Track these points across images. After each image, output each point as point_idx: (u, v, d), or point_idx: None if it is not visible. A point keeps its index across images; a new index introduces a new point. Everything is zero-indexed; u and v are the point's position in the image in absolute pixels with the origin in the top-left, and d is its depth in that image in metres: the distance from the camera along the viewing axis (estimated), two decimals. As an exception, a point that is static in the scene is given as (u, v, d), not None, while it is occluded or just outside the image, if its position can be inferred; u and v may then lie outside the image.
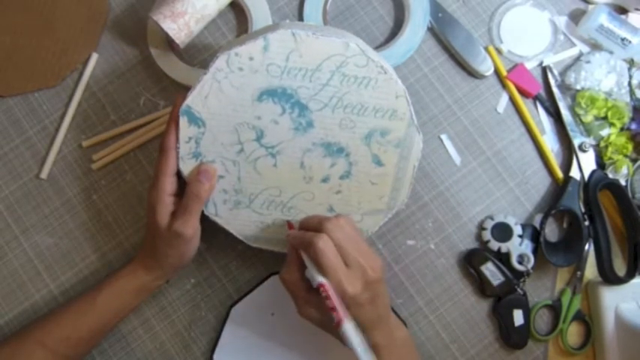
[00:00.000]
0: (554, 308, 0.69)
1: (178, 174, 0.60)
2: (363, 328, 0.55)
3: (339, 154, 0.61)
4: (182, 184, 0.60)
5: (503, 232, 0.68)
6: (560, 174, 0.70)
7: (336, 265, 0.54)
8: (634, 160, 0.70)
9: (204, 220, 0.61)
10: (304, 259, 0.56)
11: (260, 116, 0.59)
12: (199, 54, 0.72)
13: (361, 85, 0.59)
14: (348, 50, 0.58)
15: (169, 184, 0.59)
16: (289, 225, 0.61)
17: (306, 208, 0.62)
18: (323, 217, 0.56)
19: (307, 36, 0.57)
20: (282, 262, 0.67)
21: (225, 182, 0.61)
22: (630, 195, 0.68)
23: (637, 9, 0.72)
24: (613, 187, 0.69)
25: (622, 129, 0.70)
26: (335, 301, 0.53)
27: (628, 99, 0.70)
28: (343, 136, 0.60)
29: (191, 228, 0.59)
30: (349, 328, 0.52)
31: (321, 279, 0.54)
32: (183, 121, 0.59)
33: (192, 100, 0.58)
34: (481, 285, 0.68)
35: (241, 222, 0.62)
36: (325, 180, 0.61)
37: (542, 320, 0.69)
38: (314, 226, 0.56)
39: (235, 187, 0.61)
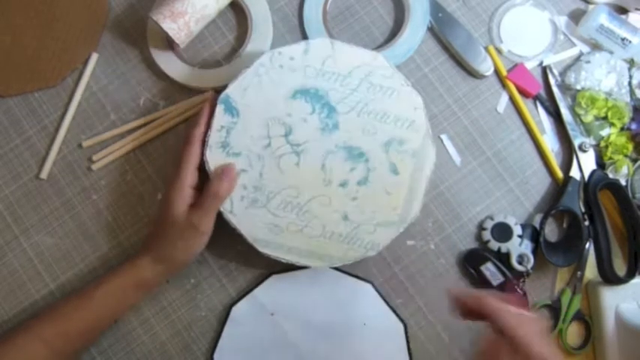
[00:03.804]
0: (554, 308, 0.69)
1: (200, 168, 0.62)
2: None
3: (359, 159, 0.63)
4: (202, 179, 0.62)
5: (503, 232, 0.68)
6: (560, 174, 0.70)
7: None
8: (634, 160, 0.70)
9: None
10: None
11: (291, 113, 0.63)
12: (199, 54, 0.72)
13: (385, 94, 0.63)
14: (377, 61, 0.63)
15: (191, 176, 0.61)
16: None
17: (321, 213, 0.63)
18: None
19: (343, 44, 0.63)
20: (283, 262, 0.67)
21: (247, 177, 0.63)
22: (630, 195, 0.68)
23: (637, 9, 0.72)
24: (613, 187, 0.69)
25: (622, 129, 0.70)
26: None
27: (628, 99, 0.70)
28: (365, 141, 0.63)
29: (205, 225, 0.61)
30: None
31: None
32: (219, 109, 0.62)
33: (232, 90, 0.62)
34: (481, 285, 0.68)
35: (254, 222, 0.63)
36: (343, 185, 0.63)
37: (542, 320, 0.69)
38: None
39: (255, 183, 0.63)
